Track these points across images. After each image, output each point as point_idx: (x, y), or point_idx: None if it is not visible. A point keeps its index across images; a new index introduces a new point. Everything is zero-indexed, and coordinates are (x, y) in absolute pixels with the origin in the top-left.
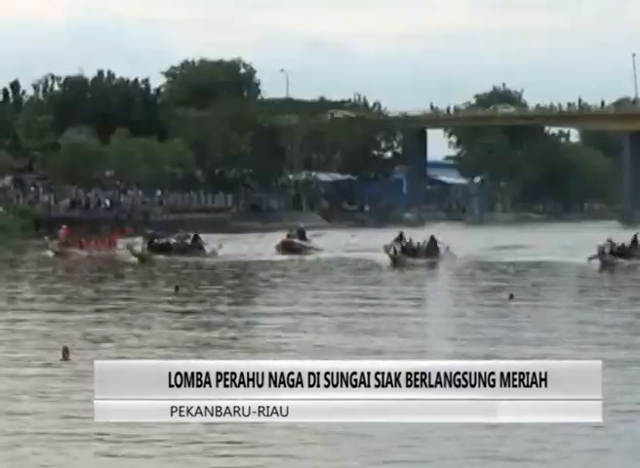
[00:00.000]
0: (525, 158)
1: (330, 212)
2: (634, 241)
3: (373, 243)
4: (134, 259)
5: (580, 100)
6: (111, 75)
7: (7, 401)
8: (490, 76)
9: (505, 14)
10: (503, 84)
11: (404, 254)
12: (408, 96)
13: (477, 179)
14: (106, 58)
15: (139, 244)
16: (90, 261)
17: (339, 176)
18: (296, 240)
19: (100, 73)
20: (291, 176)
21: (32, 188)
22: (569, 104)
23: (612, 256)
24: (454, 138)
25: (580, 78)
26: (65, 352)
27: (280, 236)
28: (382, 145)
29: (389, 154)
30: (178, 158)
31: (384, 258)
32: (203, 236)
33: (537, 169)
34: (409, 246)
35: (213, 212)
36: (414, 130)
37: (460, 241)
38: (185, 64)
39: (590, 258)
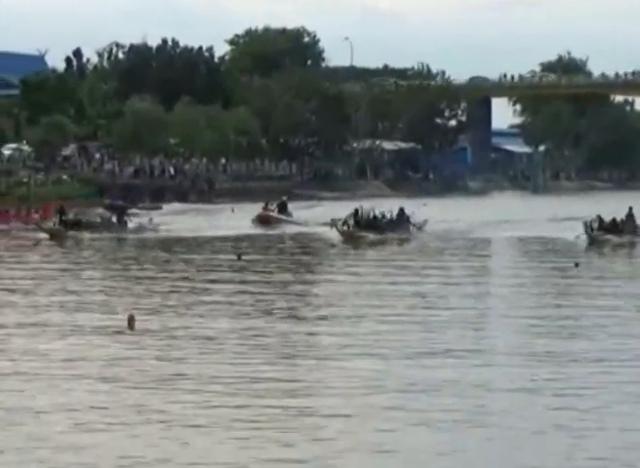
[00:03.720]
0: (590, 126)
1: (394, 180)
2: (629, 215)
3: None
4: (44, 235)
5: None
6: (175, 43)
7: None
8: (555, 43)
9: None
10: (568, 52)
11: (357, 229)
12: (472, 64)
13: (542, 148)
14: (167, 27)
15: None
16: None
17: (402, 145)
18: (273, 213)
19: (165, 41)
20: (355, 145)
21: (97, 156)
22: (633, 73)
23: (600, 233)
24: (518, 107)
25: None
26: (131, 320)
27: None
28: (446, 114)
29: (453, 122)
30: (242, 126)
31: (335, 234)
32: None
33: (602, 137)
34: (367, 220)
35: (276, 180)
36: (478, 98)
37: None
38: (249, 32)
39: (578, 236)
